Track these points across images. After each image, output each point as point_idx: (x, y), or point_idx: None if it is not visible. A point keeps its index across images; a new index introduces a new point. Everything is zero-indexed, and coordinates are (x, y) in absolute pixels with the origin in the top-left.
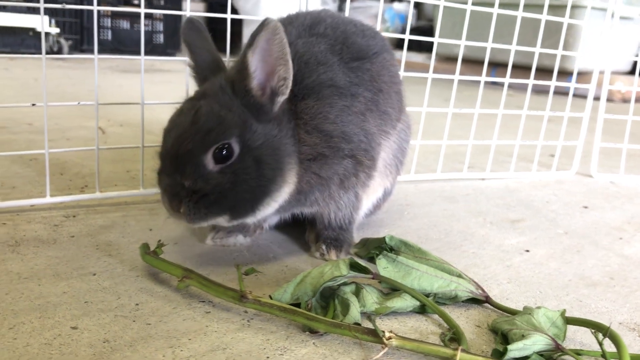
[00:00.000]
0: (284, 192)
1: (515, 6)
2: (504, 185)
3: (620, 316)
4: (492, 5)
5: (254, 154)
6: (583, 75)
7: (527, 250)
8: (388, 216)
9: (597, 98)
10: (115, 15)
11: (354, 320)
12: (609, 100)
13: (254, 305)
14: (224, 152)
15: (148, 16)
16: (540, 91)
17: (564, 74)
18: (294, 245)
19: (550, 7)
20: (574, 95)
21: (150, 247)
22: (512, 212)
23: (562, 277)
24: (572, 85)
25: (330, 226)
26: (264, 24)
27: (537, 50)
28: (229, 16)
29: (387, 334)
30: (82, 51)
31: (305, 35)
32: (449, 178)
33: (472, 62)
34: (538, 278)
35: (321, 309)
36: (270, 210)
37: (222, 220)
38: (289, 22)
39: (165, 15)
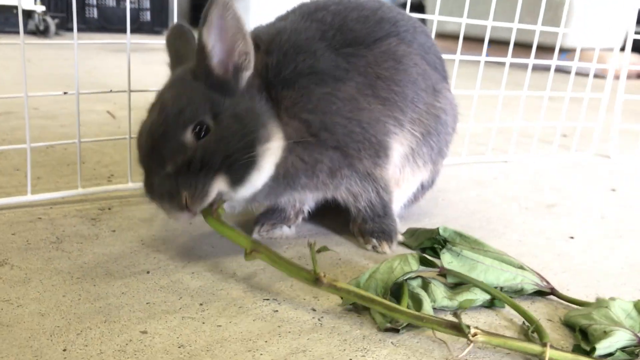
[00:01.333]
0: (270, 159)
1: None
2: (528, 167)
3: None
4: None
5: (231, 122)
6: (572, 52)
7: (572, 237)
8: (424, 203)
9: (596, 76)
10: None
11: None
12: (600, 76)
13: (330, 289)
14: (201, 128)
15: None
16: (536, 68)
17: (553, 50)
18: (339, 237)
19: None
20: (571, 73)
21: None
22: (544, 196)
23: (613, 264)
24: (592, 65)
25: (367, 216)
26: (213, 1)
27: (538, 28)
28: None
29: (473, 330)
30: (69, 29)
31: (301, 22)
32: (474, 162)
33: (465, 39)
34: (590, 266)
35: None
36: (264, 176)
37: (227, 191)
38: (295, 9)
39: None
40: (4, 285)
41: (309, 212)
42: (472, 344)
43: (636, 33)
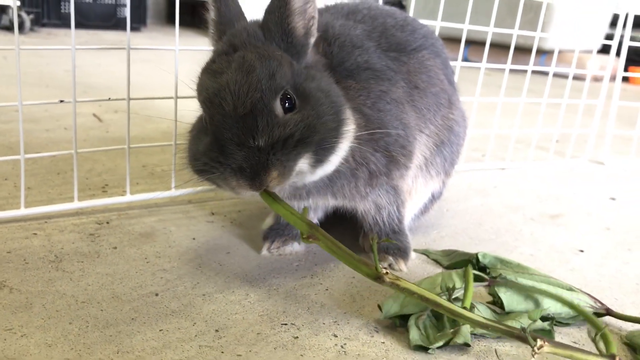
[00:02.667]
0: (347, 143)
1: None
2: (525, 175)
3: None
4: None
5: (322, 97)
6: (559, 54)
7: (582, 251)
8: (428, 215)
9: (575, 78)
10: None
11: (464, 340)
12: (579, 79)
13: (393, 288)
14: (288, 98)
15: None
16: (514, 70)
17: (537, 52)
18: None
19: None
20: (553, 75)
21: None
22: (546, 206)
23: (628, 280)
24: (589, 73)
25: (382, 232)
26: None
27: (515, 32)
28: None
29: (539, 342)
30: (44, 25)
31: (343, 20)
32: (472, 169)
33: (444, 40)
34: (606, 282)
35: (432, 325)
36: (338, 160)
37: (305, 172)
38: (325, 10)
39: None
40: (5, 311)
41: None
42: (536, 355)
43: (608, 37)
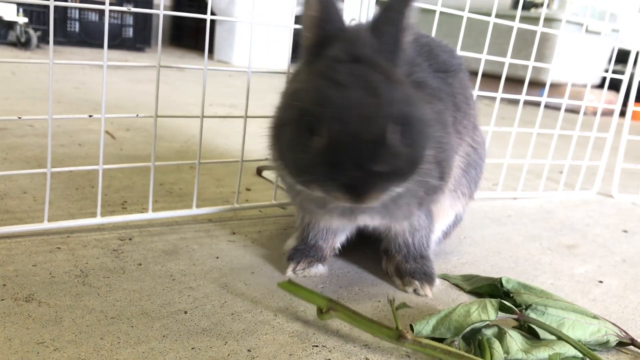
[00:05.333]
0: None
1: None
2: (538, 205)
3: None
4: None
5: (424, 126)
6: (556, 87)
7: (601, 281)
8: (447, 241)
9: (567, 110)
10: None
11: None
12: (576, 112)
13: (414, 346)
14: (402, 125)
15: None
16: (510, 101)
17: (537, 85)
18: (372, 276)
19: (523, 18)
20: (546, 106)
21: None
22: (562, 237)
23: None
24: (600, 105)
25: (410, 255)
26: None
27: (507, 60)
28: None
29: None
30: (48, 43)
31: None
32: (485, 197)
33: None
34: (628, 314)
35: (468, 351)
36: None
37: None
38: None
39: (136, 7)
40: (35, 324)
41: (340, 248)
42: None
43: (614, 72)
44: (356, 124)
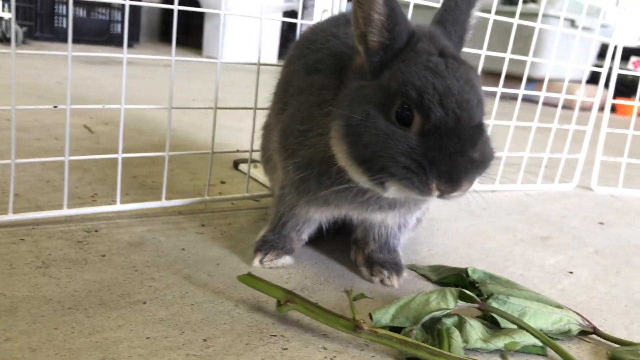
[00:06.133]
0: None
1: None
2: (515, 198)
3: None
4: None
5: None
6: (548, 83)
7: (571, 272)
8: (420, 233)
9: (563, 107)
10: (74, 3)
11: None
12: (568, 107)
13: (370, 337)
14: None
15: (106, 5)
16: (503, 97)
17: (526, 80)
18: (340, 266)
19: (511, 14)
20: (532, 102)
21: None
22: (537, 228)
23: (618, 302)
24: (579, 98)
25: (384, 246)
26: None
27: (530, 59)
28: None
29: None
30: (36, 39)
31: None
32: None
33: None
34: (595, 304)
35: (427, 339)
36: None
37: None
38: None
39: (123, 4)
40: None
41: (310, 238)
42: None
43: (596, 66)
44: (461, 111)
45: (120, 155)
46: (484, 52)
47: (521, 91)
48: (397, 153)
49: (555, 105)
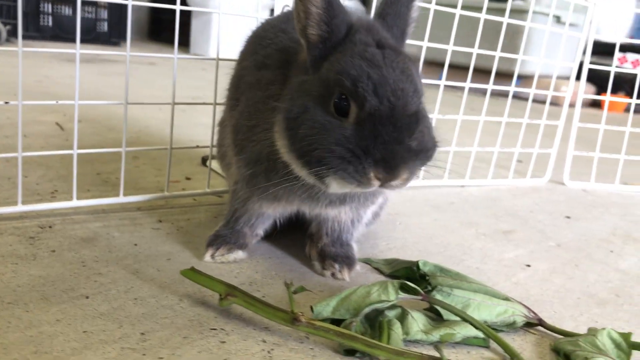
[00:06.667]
0: None
1: (467, 9)
2: (485, 192)
3: (639, 338)
4: (454, 6)
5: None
6: (528, 79)
7: (528, 265)
8: (381, 227)
9: (552, 103)
10: (56, 0)
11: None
12: (555, 104)
13: (308, 329)
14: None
15: (92, 3)
16: (493, 94)
17: (510, 76)
18: (294, 260)
19: (498, 10)
20: (523, 99)
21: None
22: (501, 223)
23: (571, 294)
24: (549, 93)
25: (337, 240)
26: None
27: (498, 54)
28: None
29: None
30: (23, 37)
31: None
32: (431, 185)
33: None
34: (548, 296)
35: (366, 331)
36: None
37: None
38: None
39: (110, 2)
40: None
41: (264, 233)
42: None
43: (591, 63)
44: (396, 99)
45: (75, 152)
46: (475, 50)
47: (489, 86)
48: (331, 143)
49: (543, 102)
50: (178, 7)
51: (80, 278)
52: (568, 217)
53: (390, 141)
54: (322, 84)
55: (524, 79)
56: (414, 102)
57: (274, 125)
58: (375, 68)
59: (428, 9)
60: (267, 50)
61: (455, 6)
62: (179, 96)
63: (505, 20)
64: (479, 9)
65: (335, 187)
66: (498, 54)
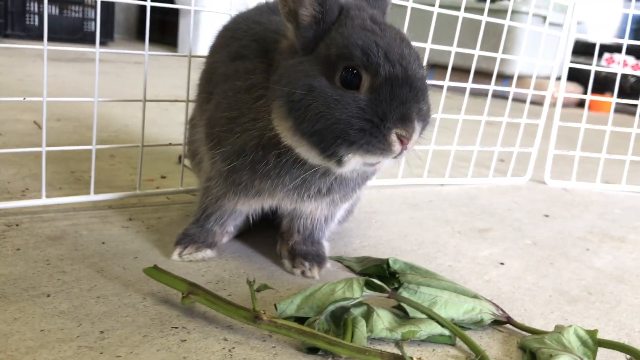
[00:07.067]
0: None
1: (454, 8)
2: (464, 191)
3: (608, 335)
4: (432, 5)
5: None
6: (519, 79)
7: (502, 263)
8: (356, 225)
9: (532, 102)
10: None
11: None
12: (538, 103)
13: (269, 327)
14: None
15: (79, 2)
16: (477, 94)
17: (499, 77)
18: (264, 259)
19: (490, 11)
20: (512, 98)
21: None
22: (478, 221)
23: (543, 292)
24: (529, 92)
25: (309, 237)
26: None
27: (477, 52)
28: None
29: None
30: (7, 36)
31: None
32: (410, 184)
33: None
34: (519, 294)
35: (330, 329)
36: None
37: None
38: None
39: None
40: None
41: (238, 231)
42: None
43: (577, 63)
44: (407, 63)
45: (44, 149)
46: (453, 49)
47: (468, 85)
48: (350, 116)
49: (533, 102)
50: (148, 4)
51: (43, 276)
52: (546, 216)
53: (409, 100)
54: (322, 62)
55: (511, 79)
56: (421, 67)
57: (269, 113)
58: (380, 37)
59: (405, 7)
60: (241, 42)
61: (442, 6)
62: (162, 95)
63: (484, 19)
64: (468, 8)
65: (353, 164)
66: (477, 52)
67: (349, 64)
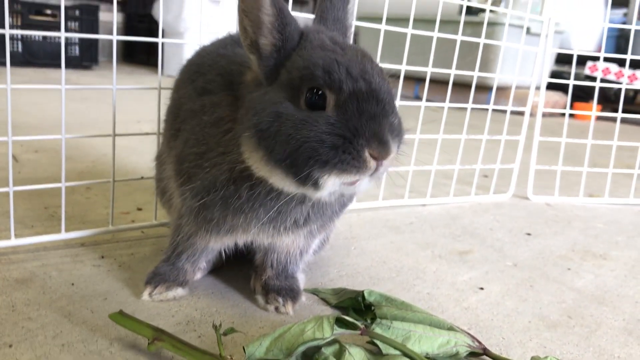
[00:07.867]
0: None
1: (434, 22)
2: (445, 211)
3: None
4: (425, 20)
5: None
6: (502, 90)
7: (482, 288)
8: (334, 252)
9: (514, 112)
10: (26, 26)
11: None
12: (521, 114)
13: None
14: None
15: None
16: (461, 107)
17: (484, 88)
18: (237, 295)
19: (470, 24)
20: (493, 110)
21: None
22: (459, 243)
23: (522, 318)
24: (509, 107)
25: (282, 272)
26: None
27: (453, 72)
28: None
29: None
30: None
31: None
32: (391, 205)
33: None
34: (498, 321)
35: None
36: None
37: None
38: None
39: (81, 27)
40: None
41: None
42: None
43: (555, 71)
44: (370, 77)
45: (11, 189)
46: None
47: (446, 105)
48: (320, 133)
49: (515, 114)
50: (114, 38)
51: (7, 324)
52: (528, 234)
53: (378, 114)
54: (286, 87)
55: (498, 91)
56: (385, 81)
57: (238, 146)
58: (340, 55)
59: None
60: (207, 76)
61: (423, 20)
62: (144, 120)
63: (459, 38)
64: (450, 22)
65: (330, 185)
66: (453, 71)
67: (312, 84)
